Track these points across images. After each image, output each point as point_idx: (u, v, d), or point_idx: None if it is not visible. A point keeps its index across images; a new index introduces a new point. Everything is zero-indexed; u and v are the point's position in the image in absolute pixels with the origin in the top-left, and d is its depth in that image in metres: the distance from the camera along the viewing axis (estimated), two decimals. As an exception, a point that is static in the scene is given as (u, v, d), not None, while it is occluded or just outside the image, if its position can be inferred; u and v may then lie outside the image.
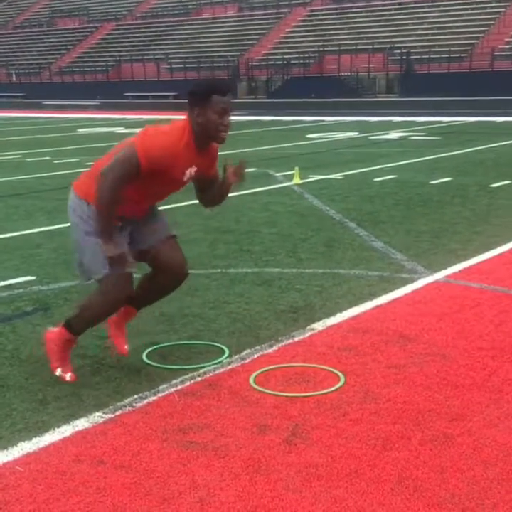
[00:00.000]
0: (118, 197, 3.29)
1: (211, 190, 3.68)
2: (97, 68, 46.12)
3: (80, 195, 3.49)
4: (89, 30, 53.48)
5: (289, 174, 10.33)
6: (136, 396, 3.37)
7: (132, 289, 3.55)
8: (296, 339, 4.09)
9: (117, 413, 3.20)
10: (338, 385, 3.45)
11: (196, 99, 3.33)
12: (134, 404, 3.28)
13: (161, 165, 3.28)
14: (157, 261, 3.62)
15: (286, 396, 3.35)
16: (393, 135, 17.84)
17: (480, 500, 2.50)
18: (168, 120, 3.49)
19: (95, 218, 3.35)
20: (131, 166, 3.25)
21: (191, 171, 3.43)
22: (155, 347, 3.97)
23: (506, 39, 34.76)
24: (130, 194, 3.36)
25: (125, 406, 3.27)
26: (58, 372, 3.56)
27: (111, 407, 3.26)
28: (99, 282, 3.48)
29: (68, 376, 3.54)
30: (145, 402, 3.31)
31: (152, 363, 3.75)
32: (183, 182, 3.49)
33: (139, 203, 3.51)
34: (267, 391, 3.41)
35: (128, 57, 45.49)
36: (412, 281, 5.21)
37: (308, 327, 4.28)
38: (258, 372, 3.63)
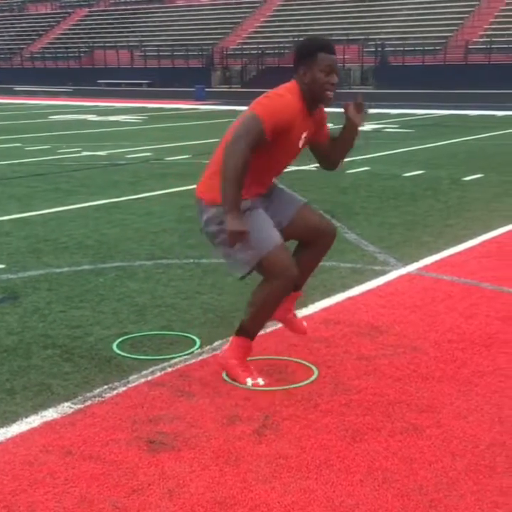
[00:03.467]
0: (245, 166, 3.12)
1: (332, 150, 3.58)
2: (70, 54, 45.59)
3: (209, 203, 3.36)
4: (61, 15, 52.84)
5: (262, 164, 10.29)
6: (105, 386, 3.34)
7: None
8: (268, 330, 4.08)
9: (86, 403, 3.17)
10: (312, 378, 3.44)
11: (302, 58, 3.30)
12: (104, 395, 3.25)
13: (284, 127, 3.19)
14: (305, 229, 3.47)
15: (257, 389, 3.34)
16: (367, 127, 17.88)
17: (448, 491, 2.52)
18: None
19: (222, 190, 3.16)
20: (257, 134, 3.13)
21: (305, 135, 3.35)
22: (126, 337, 3.94)
23: (480, 32, 35.03)
24: (252, 167, 3.18)
25: (94, 396, 3.24)
26: (249, 383, 3.32)
27: (80, 397, 3.23)
28: (263, 268, 3.27)
29: (260, 380, 3.34)
30: (114, 392, 3.28)
31: (123, 354, 3.72)
32: (299, 148, 3.40)
33: (260, 177, 3.36)
34: (237, 383, 3.40)
35: (101, 44, 45.02)
36: (384, 273, 5.24)
37: (280, 318, 4.27)
38: (229, 363, 3.61)
